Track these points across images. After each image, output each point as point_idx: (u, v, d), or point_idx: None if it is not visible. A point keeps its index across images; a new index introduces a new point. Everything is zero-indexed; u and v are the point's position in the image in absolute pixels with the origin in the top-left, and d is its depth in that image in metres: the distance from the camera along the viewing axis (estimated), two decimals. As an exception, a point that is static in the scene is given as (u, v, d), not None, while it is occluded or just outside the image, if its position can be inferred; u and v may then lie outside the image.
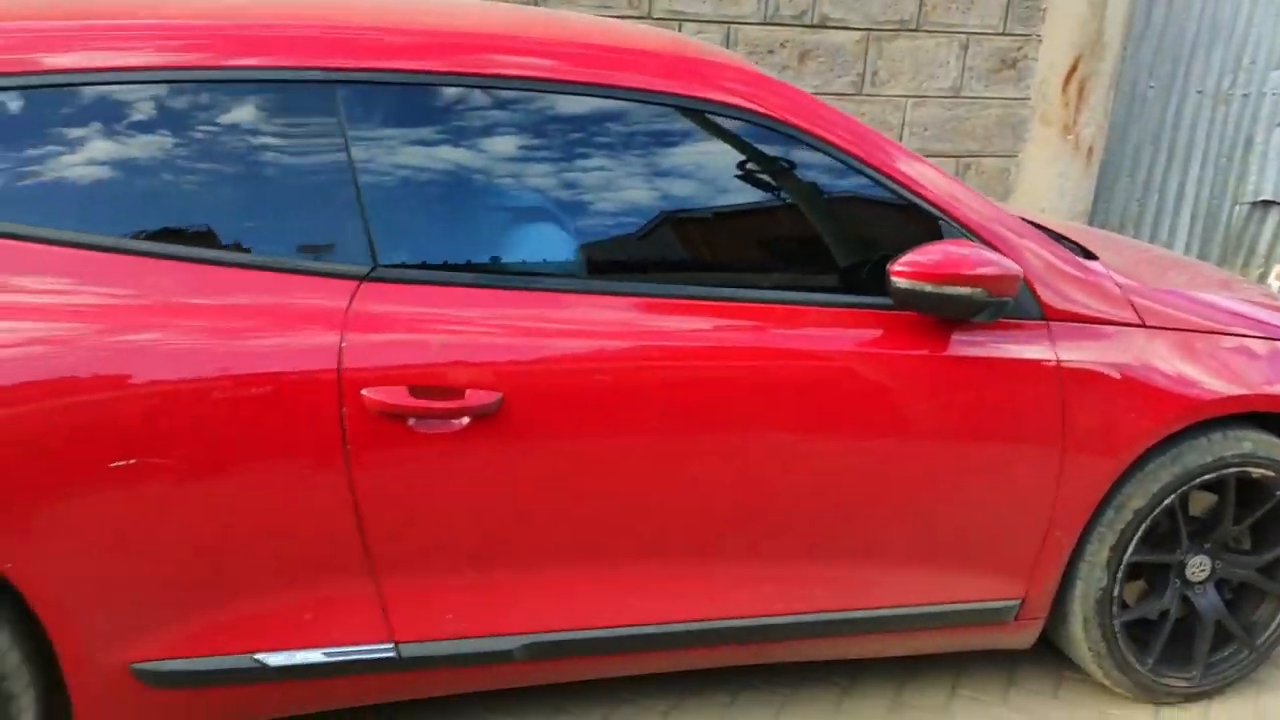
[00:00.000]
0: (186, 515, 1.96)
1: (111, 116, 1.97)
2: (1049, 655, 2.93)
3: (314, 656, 2.09)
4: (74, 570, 1.92)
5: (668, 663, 2.38)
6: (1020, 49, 4.70)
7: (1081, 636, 2.66)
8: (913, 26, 4.47)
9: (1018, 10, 4.66)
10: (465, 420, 2.04)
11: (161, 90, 2.00)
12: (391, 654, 2.13)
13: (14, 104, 1.93)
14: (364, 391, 1.99)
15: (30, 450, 1.85)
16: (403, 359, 2.01)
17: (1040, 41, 4.74)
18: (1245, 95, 5.68)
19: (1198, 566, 2.71)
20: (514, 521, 2.14)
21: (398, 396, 2.00)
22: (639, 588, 2.26)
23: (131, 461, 1.90)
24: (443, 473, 2.07)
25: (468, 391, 2.04)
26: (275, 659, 2.07)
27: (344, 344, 1.99)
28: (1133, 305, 2.52)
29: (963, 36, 4.59)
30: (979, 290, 2.21)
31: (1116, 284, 2.53)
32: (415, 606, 2.14)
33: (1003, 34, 4.66)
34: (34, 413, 1.85)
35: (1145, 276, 2.71)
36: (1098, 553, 2.58)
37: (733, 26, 4.30)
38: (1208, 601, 2.74)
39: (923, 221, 2.35)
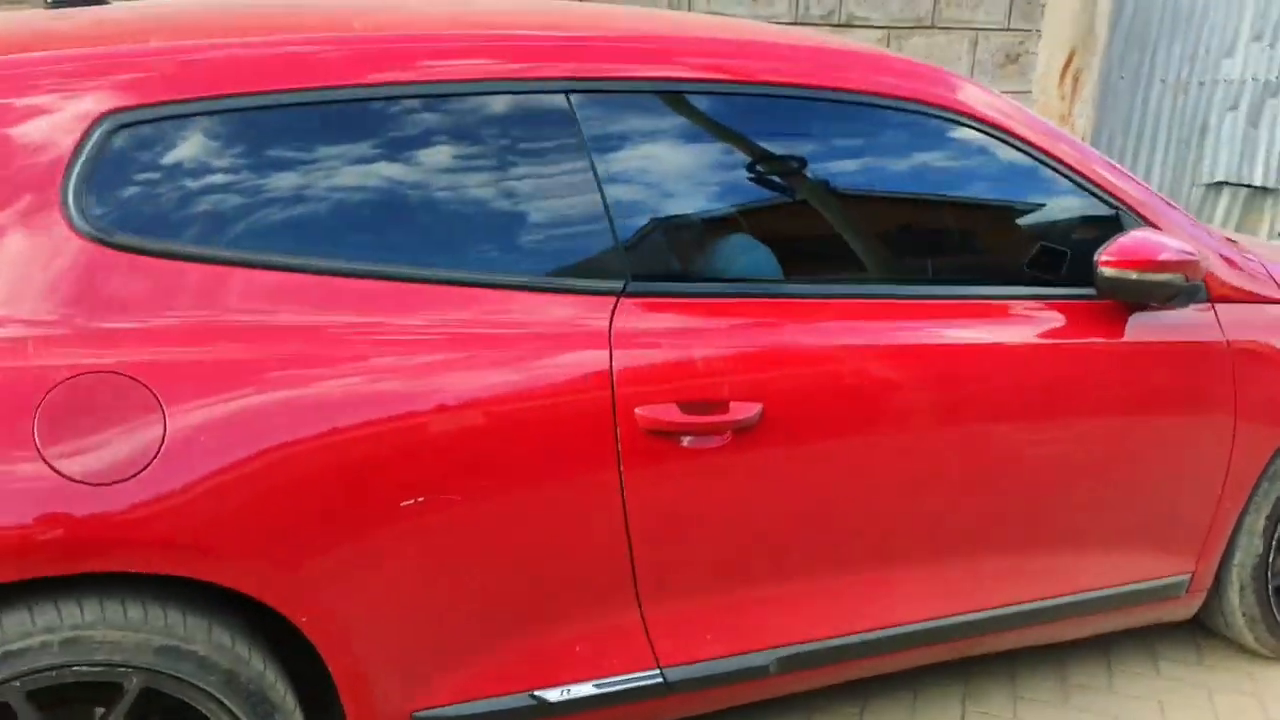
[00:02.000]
0: (471, 552, 1.87)
1: (326, 138, 1.86)
2: (1180, 627, 3.02)
3: (586, 689, 2.01)
4: (366, 620, 1.81)
5: (897, 663, 2.37)
6: (1022, 44, 4.86)
7: (1237, 604, 2.76)
8: (928, 24, 4.57)
9: (1020, 6, 4.81)
10: (729, 434, 2.00)
11: (406, 111, 1.90)
12: (658, 680, 2.07)
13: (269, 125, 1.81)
14: (637, 410, 1.93)
15: (324, 498, 1.73)
16: (670, 375, 1.96)
17: (1039, 36, 4.90)
18: (1201, 83, 5.99)
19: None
20: (768, 535, 2.11)
21: (670, 414, 1.95)
22: (879, 592, 2.25)
23: (420, 499, 1.80)
24: (705, 490, 2.02)
25: (731, 404, 1.99)
26: (553, 695, 1.98)
27: (613, 363, 1.92)
28: (1276, 283, 2.63)
29: (972, 33, 4.71)
30: (1178, 276, 2.28)
31: (1262, 265, 2.64)
32: (677, 630, 2.08)
33: (1007, 30, 4.80)
34: (329, 455, 1.73)
35: (1276, 257, 2.83)
36: (1255, 522, 2.68)
37: (765, 28, 4.32)
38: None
39: (1102, 213, 2.40)
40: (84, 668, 1.62)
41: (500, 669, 1.95)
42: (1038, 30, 4.85)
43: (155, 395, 1.64)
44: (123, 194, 1.72)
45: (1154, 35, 5.75)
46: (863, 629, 2.24)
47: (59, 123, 1.70)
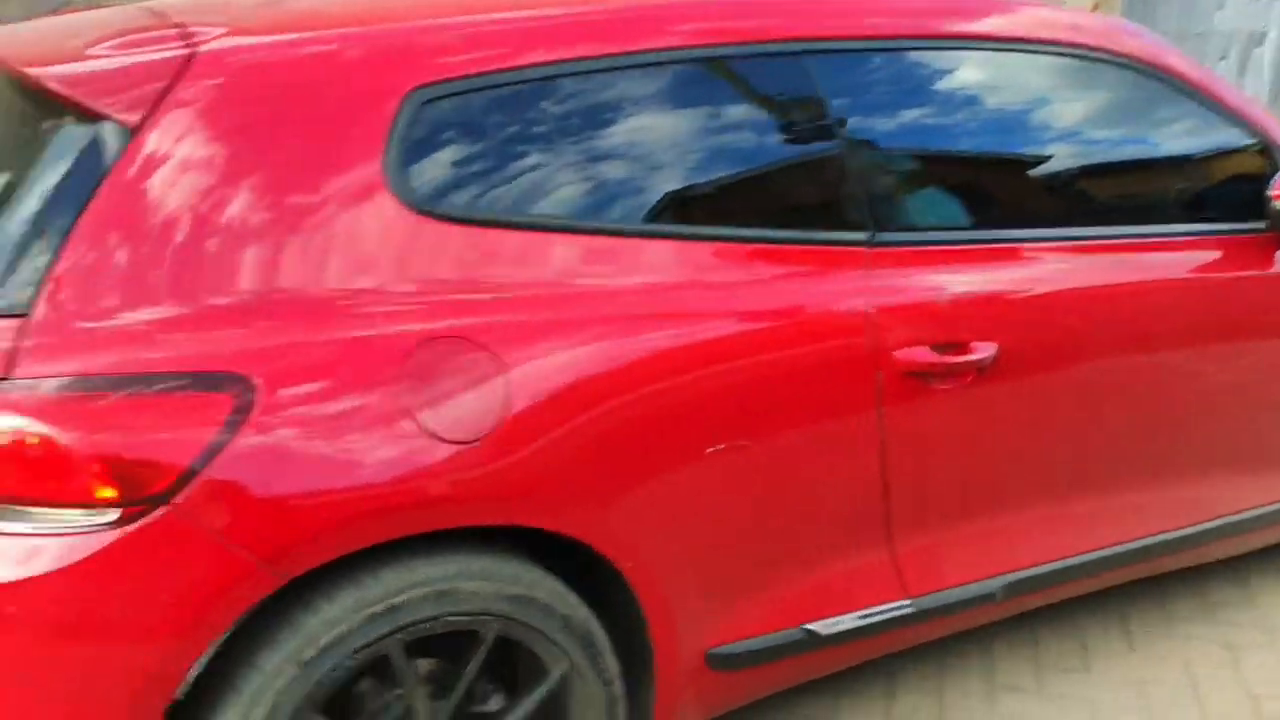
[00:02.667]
0: (759, 496, 1.97)
1: (615, 103, 1.93)
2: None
3: (850, 621, 2.13)
4: (674, 565, 1.90)
5: (1093, 585, 2.53)
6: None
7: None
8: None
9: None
10: (970, 373, 2.12)
11: (660, 74, 1.98)
12: (910, 609, 2.19)
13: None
14: (895, 353, 2.04)
15: (645, 450, 1.82)
16: (919, 319, 2.08)
17: (1068, -8, 5.08)
18: (1198, 34, 6.25)
19: None
20: (999, 469, 2.24)
21: (924, 355, 2.06)
22: (1088, 518, 2.39)
23: (721, 446, 1.89)
24: (949, 426, 2.14)
25: (973, 344, 2.12)
26: (822, 627, 2.10)
27: (872, 310, 2.03)
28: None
29: (1009, -9, 4.86)
30: None
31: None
32: (921, 562, 2.21)
33: (1039, -14, 4.96)
34: (648, 409, 1.82)
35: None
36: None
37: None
38: None
39: (1256, 151, 2.56)
40: (454, 618, 1.69)
41: (777, 606, 2.06)
42: (1067, -13, 5.02)
43: (496, 357, 1.70)
44: (437, 165, 1.78)
45: (1159, -11, 5.98)
46: (1073, 554, 2.39)
47: (372, 100, 1.75)
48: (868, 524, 2.12)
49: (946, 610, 2.25)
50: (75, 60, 1.73)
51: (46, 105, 1.72)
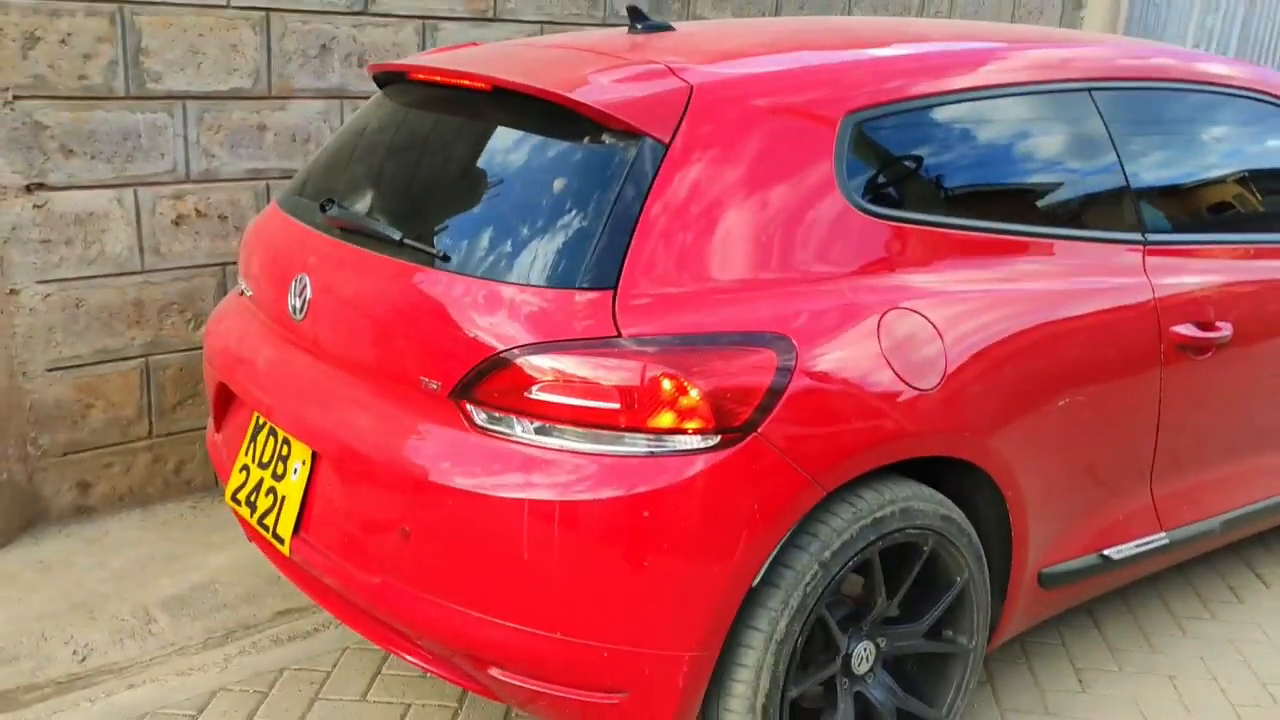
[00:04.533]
0: (1084, 442, 2.45)
1: (987, 126, 2.43)
2: None
3: (1129, 549, 2.63)
4: (1034, 495, 2.36)
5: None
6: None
7: None
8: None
9: (1067, 18, 5.76)
10: (1214, 347, 2.66)
11: (1013, 105, 2.48)
12: (1165, 541, 2.70)
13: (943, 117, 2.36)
14: (1172, 328, 2.56)
15: (1027, 402, 2.30)
16: (1184, 303, 2.60)
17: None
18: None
19: None
20: (1223, 426, 2.78)
21: (1191, 331, 2.59)
22: (1280, 468, 2.97)
23: (1066, 401, 2.38)
24: (1197, 390, 2.67)
25: (1218, 323, 2.65)
26: (1113, 553, 2.59)
27: (1154, 294, 2.55)
28: None
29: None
30: None
31: None
32: (1170, 502, 2.72)
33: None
34: (1034, 368, 2.30)
35: None
36: None
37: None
38: None
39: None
40: (911, 530, 2.13)
41: (1084, 536, 2.54)
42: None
43: (933, 325, 2.16)
44: (872, 174, 2.23)
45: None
46: (1269, 496, 2.95)
47: (818, 123, 2.19)
48: (1142, 469, 2.62)
49: (1184, 542, 2.77)
50: (598, 88, 2.12)
51: (566, 120, 2.11)
